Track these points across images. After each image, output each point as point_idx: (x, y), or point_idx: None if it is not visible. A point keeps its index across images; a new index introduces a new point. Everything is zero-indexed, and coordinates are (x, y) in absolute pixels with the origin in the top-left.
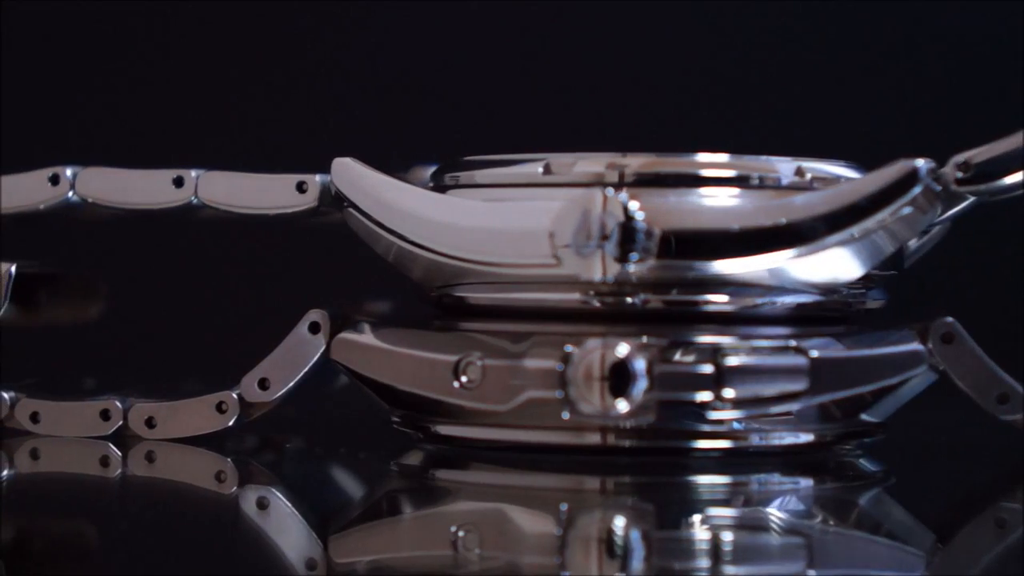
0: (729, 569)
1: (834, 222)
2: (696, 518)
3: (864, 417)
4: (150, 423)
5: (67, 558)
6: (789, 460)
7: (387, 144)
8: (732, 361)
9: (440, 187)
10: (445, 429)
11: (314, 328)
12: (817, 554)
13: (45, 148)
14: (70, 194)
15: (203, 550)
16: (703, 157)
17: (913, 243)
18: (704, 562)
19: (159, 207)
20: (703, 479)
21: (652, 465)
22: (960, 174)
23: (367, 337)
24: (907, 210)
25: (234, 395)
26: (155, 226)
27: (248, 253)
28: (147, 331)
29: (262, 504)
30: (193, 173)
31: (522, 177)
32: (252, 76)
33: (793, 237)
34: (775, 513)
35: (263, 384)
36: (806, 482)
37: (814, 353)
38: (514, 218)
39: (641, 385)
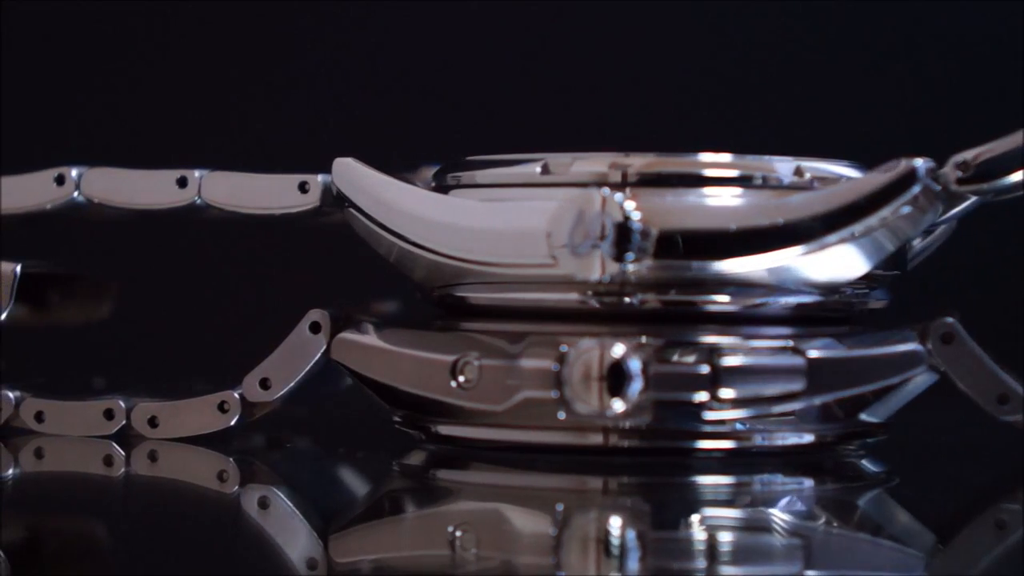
0: (727, 570)
1: (832, 222)
2: (694, 518)
3: (865, 417)
4: (153, 423)
5: (70, 556)
6: (789, 461)
7: (387, 144)
8: (728, 361)
9: (442, 187)
10: (445, 429)
11: (315, 328)
12: (816, 555)
13: (46, 148)
14: (76, 194)
15: (204, 549)
16: (705, 157)
17: (917, 243)
18: (702, 562)
19: (163, 207)
20: (702, 479)
21: (652, 465)
22: (960, 174)
23: (367, 337)
24: (907, 210)
25: (236, 395)
26: (157, 226)
27: (249, 253)
28: (150, 331)
29: (263, 503)
30: (197, 173)
31: (522, 177)
32: (253, 76)
33: (791, 237)
34: (775, 513)
35: (264, 384)
36: (807, 483)
37: (811, 353)
38: (512, 218)
39: (636, 385)
